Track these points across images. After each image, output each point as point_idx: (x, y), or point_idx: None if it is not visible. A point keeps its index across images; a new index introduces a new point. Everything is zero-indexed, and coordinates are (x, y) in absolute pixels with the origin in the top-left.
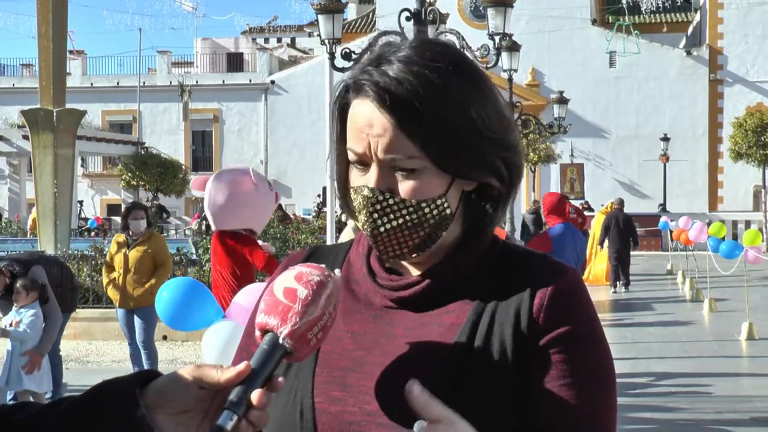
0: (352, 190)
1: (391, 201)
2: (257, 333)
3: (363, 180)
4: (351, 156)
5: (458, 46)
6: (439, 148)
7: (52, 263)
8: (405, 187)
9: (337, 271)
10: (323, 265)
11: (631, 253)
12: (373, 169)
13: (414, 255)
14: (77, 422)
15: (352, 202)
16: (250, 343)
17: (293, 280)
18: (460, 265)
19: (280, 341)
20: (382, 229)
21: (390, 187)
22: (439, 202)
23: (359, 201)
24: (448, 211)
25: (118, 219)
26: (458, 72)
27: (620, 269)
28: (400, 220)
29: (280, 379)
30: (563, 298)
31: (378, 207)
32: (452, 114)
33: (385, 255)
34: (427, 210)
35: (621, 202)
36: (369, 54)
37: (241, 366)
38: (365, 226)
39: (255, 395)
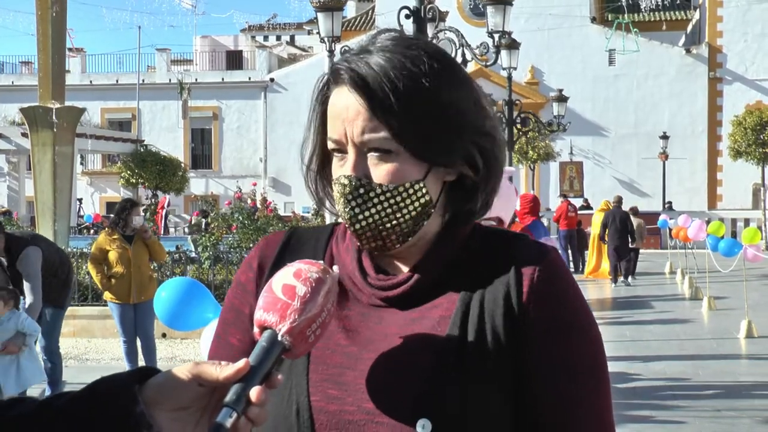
0: (333, 182)
1: (368, 187)
2: (255, 330)
3: (342, 170)
4: (330, 145)
5: (458, 44)
6: (409, 131)
7: (52, 250)
8: (380, 171)
9: (335, 268)
10: (321, 262)
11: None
12: (350, 155)
13: (398, 245)
14: (75, 418)
15: (326, 191)
16: (228, 330)
17: (292, 277)
18: (444, 256)
19: (279, 338)
20: (360, 217)
21: (366, 173)
22: (417, 187)
23: (337, 191)
24: (426, 198)
25: None
26: (431, 57)
27: (619, 265)
28: (378, 207)
29: (279, 376)
30: (550, 281)
31: (356, 194)
32: (422, 97)
33: (367, 247)
34: (405, 195)
35: (619, 200)
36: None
37: (240, 363)
38: (345, 217)
39: (254, 392)
